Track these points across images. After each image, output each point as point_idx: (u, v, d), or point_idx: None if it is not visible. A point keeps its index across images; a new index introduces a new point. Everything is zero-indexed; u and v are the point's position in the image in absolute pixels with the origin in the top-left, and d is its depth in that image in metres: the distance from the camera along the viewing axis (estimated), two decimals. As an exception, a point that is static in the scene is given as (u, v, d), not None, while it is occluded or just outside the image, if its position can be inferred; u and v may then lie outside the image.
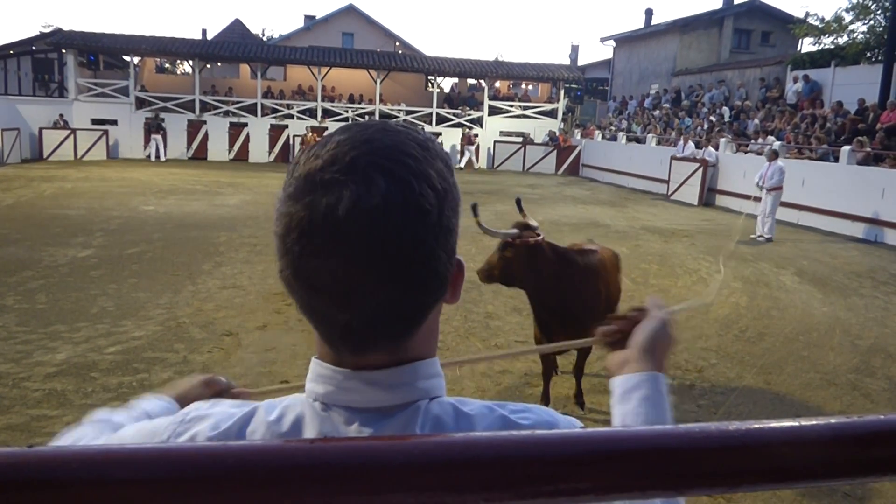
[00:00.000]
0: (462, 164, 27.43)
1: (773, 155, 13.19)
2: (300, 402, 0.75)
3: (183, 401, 1.02)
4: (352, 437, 0.49)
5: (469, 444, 0.50)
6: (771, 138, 17.84)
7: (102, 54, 27.21)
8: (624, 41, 32.11)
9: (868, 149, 14.42)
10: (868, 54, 18.80)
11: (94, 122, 24.93)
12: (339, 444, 0.48)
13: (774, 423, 0.52)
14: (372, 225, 0.65)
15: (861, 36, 19.92)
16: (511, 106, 29.32)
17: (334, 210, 0.65)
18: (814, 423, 0.52)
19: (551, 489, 0.50)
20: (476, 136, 27.83)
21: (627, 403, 0.96)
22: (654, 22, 32.23)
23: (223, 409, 0.78)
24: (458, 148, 27.49)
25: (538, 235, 4.52)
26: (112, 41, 26.00)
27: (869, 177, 13.78)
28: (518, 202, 4.86)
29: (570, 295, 4.58)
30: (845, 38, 20.44)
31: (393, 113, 27.74)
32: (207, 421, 0.76)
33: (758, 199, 13.31)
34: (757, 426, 0.52)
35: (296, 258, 0.68)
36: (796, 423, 0.52)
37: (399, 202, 0.66)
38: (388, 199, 0.66)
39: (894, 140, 14.86)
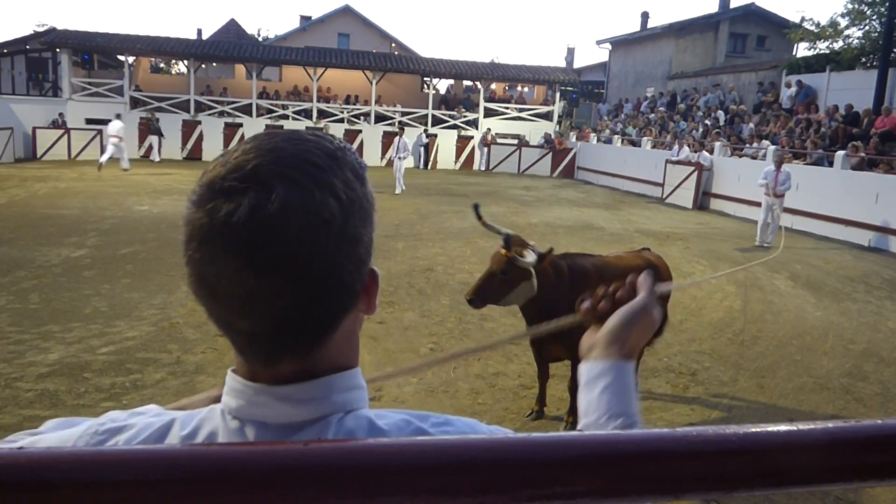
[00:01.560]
0: (458, 166, 27.48)
1: (781, 161, 13.09)
2: (216, 415, 0.75)
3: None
4: (342, 439, 0.49)
5: (465, 447, 0.49)
6: (766, 142, 17.90)
7: (97, 54, 27.12)
8: (620, 44, 32.16)
9: (862, 154, 14.47)
10: (863, 59, 18.86)
11: (89, 121, 24.82)
12: (334, 446, 0.48)
13: (772, 427, 0.52)
14: (269, 233, 0.65)
15: (856, 41, 19.98)
16: (507, 108, 29.34)
17: (232, 217, 0.65)
18: (811, 427, 0.52)
19: (547, 492, 0.49)
20: (494, 137, 27.89)
21: (591, 392, 0.97)
22: (650, 25, 32.26)
23: (143, 420, 0.76)
24: (482, 146, 27.77)
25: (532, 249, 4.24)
26: (107, 40, 25.91)
27: (863, 182, 13.83)
28: (475, 208, 4.36)
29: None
30: (840, 43, 20.51)
31: (388, 114, 27.74)
32: (126, 433, 0.75)
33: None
34: (754, 430, 0.52)
35: (197, 265, 0.69)
36: (794, 428, 0.52)
37: (298, 210, 0.67)
38: (287, 208, 0.66)
39: (888, 145, 14.92)
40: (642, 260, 4.97)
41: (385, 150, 26.32)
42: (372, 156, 26.38)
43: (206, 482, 0.44)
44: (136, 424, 0.76)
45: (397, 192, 18.19)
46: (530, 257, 4.11)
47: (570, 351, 4.36)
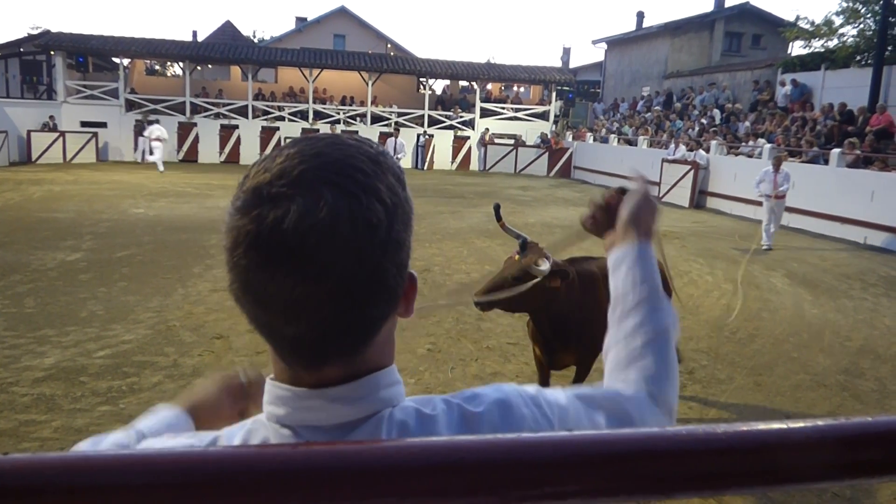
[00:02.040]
0: (454, 166, 27.49)
1: (779, 161, 12.71)
2: (261, 425, 0.75)
3: (198, 411, 1.00)
4: (333, 441, 0.48)
5: (454, 448, 0.49)
6: (762, 141, 17.93)
7: (91, 56, 27.04)
8: (615, 43, 32.19)
9: (858, 151, 14.50)
10: (858, 58, 18.90)
11: (84, 124, 24.77)
12: (322, 449, 0.48)
13: (762, 426, 0.51)
14: (318, 239, 0.66)
15: (851, 39, 20.04)
16: (503, 108, 29.35)
17: (281, 224, 0.66)
18: (801, 425, 0.52)
19: (538, 493, 0.49)
20: (492, 137, 27.91)
21: (618, 273, 1.06)
22: (645, 24, 32.31)
23: (180, 442, 0.77)
24: (480, 146, 27.76)
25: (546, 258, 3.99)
26: (101, 43, 25.86)
27: (858, 179, 13.86)
28: (496, 208, 4.28)
29: (592, 315, 4.04)
30: (835, 41, 20.57)
31: (385, 115, 27.72)
32: None
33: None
34: (744, 428, 0.51)
35: (243, 272, 0.69)
36: (784, 426, 0.52)
37: (346, 216, 0.67)
38: (335, 214, 0.66)
39: (884, 143, 14.95)
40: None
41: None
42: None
43: (194, 486, 0.44)
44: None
45: None
46: (544, 266, 3.93)
47: (579, 358, 4.30)
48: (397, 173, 0.75)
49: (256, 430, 0.74)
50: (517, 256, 3.94)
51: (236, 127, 26.04)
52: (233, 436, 0.75)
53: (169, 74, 37.65)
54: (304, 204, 0.66)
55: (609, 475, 0.50)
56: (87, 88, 25.48)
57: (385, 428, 0.72)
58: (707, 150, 19.03)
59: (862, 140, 15.00)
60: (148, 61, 30.85)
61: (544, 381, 4.68)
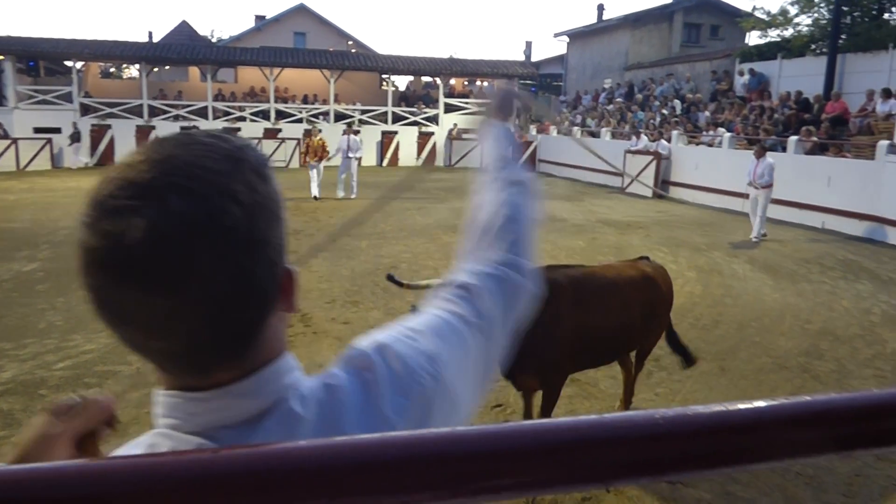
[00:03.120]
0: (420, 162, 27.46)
1: (762, 151, 12.59)
2: (163, 437, 0.70)
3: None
4: (254, 444, 0.46)
5: (384, 445, 0.47)
6: (721, 130, 18.20)
7: (42, 60, 26.37)
8: (577, 36, 32.40)
9: (814, 138, 14.80)
10: (813, 46, 19.28)
11: (37, 130, 24.10)
12: (240, 452, 0.46)
13: (700, 409, 0.51)
14: (169, 251, 0.62)
15: (806, 28, 20.43)
16: (467, 103, 29.36)
17: (125, 239, 0.61)
18: (739, 407, 0.51)
19: (472, 488, 0.48)
20: (460, 132, 27.90)
21: (486, 146, 1.34)
22: (605, 17, 32.56)
23: None
24: (448, 140, 27.80)
25: None
26: (52, 46, 25.22)
27: (815, 166, 14.14)
28: (389, 278, 3.86)
29: (550, 331, 3.73)
30: (791, 30, 20.95)
31: (348, 112, 27.53)
32: None
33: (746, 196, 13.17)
34: (682, 413, 0.51)
35: (96, 292, 0.65)
36: (722, 408, 0.51)
37: (198, 223, 0.63)
38: (185, 222, 0.62)
39: (839, 130, 15.28)
40: (636, 270, 4.50)
41: (346, 149, 26.08)
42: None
43: (100, 499, 0.41)
44: None
45: (340, 195, 16.73)
46: None
47: (542, 380, 4.01)
48: (258, 168, 0.70)
49: (158, 444, 0.70)
50: None
51: (196, 128, 25.54)
52: (132, 450, 0.72)
53: (125, 77, 36.95)
54: (150, 215, 0.62)
55: (546, 466, 0.49)
56: (40, 93, 24.79)
57: (298, 407, 0.71)
58: (669, 141, 19.26)
59: (818, 127, 15.32)
60: (102, 64, 30.23)
61: (527, 409, 4.26)
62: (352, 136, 17.37)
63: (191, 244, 0.62)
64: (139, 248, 0.61)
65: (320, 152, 16.52)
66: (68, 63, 26.41)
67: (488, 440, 0.48)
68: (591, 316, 4.02)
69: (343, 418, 0.73)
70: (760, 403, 0.51)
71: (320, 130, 17.97)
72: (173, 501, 0.44)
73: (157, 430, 0.71)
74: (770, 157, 12.81)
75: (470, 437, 0.48)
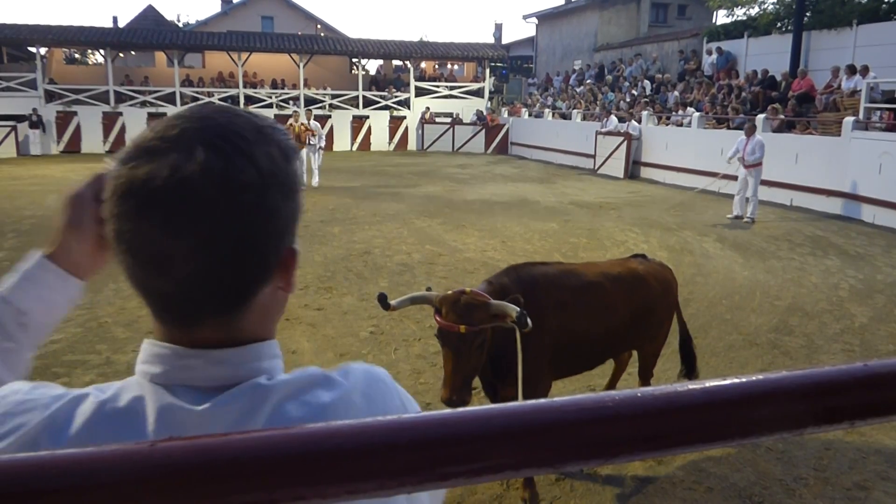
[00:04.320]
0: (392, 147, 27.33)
1: (752, 129, 12.43)
2: (134, 383, 0.73)
3: (64, 248, 0.90)
4: (194, 436, 0.45)
5: (329, 434, 0.46)
6: (690, 109, 18.33)
7: (5, 46, 25.74)
8: (546, 18, 32.32)
9: (781, 116, 14.96)
10: (779, 24, 19.44)
11: (1, 117, 23.58)
12: (182, 444, 0.44)
13: (649, 391, 0.50)
14: (186, 193, 0.67)
15: (771, 7, 20.58)
16: (437, 86, 29.22)
17: (153, 175, 0.68)
18: (689, 387, 0.51)
19: (421, 476, 0.47)
20: (433, 115, 27.74)
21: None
22: (574, -2, 32.50)
23: (45, 392, 0.73)
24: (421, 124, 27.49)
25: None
26: (14, 32, 24.62)
27: (783, 143, 14.31)
28: (381, 299, 3.24)
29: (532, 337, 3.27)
30: (756, 9, 21.09)
31: (318, 97, 27.25)
32: (33, 412, 0.70)
33: (727, 178, 13.11)
34: (632, 395, 0.50)
35: (115, 220, 0.70)
36: (671, 389, 0.51)
37: (217, 174, 0.68)
38: (206, 170, 0.68)
39: (805, 107, 15.47)
40: (622, 268, 4.04)
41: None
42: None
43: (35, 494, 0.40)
44: (36, 398, 0.72)
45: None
46: (516, 313, 3.02)
47: (525, 393, 3.55)
48: (283, 146, 0.75)
49: (128, 387, 0.73)
50: (463, 328, 3.05)
51: (164, 115, 25.05)
52: (105, 389, 0.73)
53: (90, 63, 36.16)
54: (177, 158, 0.68)
55: (495, 451, 0.48)
56: (3, 80, 24.23)
57: (261, 392, 0.72)
58: (639, 121, 19.36)
59: (785, 105, 15.49)
60: (67, 49, 29.56)
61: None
62: (312, 121, 16.16)
63: (206, 192, 0.67)
64: (161, 187, 0.67)
65: (304, 138, 15.34)
66: (32, 49, 25.84)
67: (437, 427, 0.47)
68: (574, 319, 3.63)
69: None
70: (710, 384, 0.51)
71: (300, 114, 17.49)
72: (109, 496, 0.43)
73: (133, 377, 0.75)
74: (759, 135, 12.74)
75: (419, 424, 0.47)
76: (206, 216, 0.68)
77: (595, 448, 0.49)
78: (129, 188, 0.69)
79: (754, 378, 0.53)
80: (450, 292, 3.19)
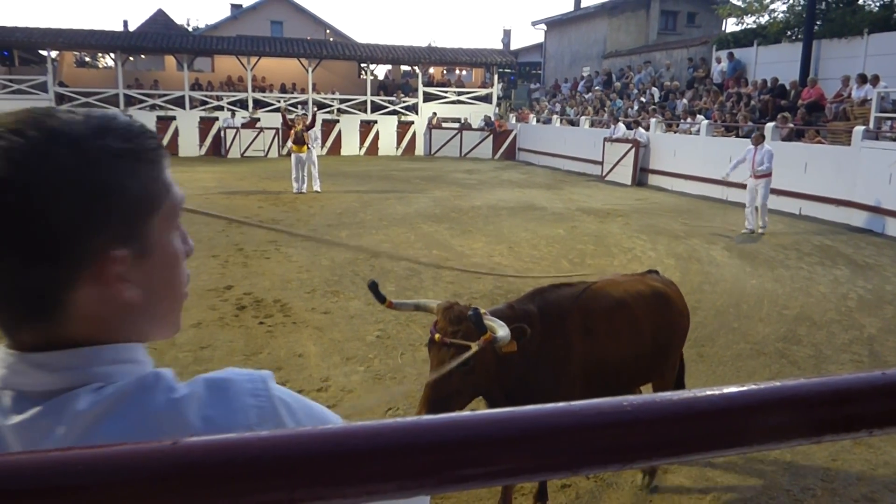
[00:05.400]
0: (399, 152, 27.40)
1: (760, 138, 12.07)
2: None
3: None
4: (207, 436, 0.45)
5: (348, 435, 0.46)
6: (699, 117, 18.31)
7: (17, 49, 25.93)
8: (555, 24, 32.37)
9: (791, 124, 14.91)
10: (788, 33, 19.41)
11: (12, 120, 23.73)
12: (203, 443, 0.45)
13: (667, 397, 0.50)
14: None
15: (781, 15, 20.56)
16: (446, 92, 29.26)
17: None
18: (708, 393, 0.51)
19: (438, 477, 0.47)
20: (440, 121, 27.82)
21: None
22: (583, 5, 32.49)
23: None
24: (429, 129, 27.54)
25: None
26: (27, 35, 24.79)
27: (792, 152, 14.26)
28: (372, 287, 3.20)
29: (556, 368, 3.21)
30: (766, 17, 21.08)
31: (327, 102, 27.32)
32: None
33: (726, 182, 13.02)
34: (650, 399, 0.50)
35: None
36: (690, 395, 0.51)
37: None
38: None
39: (815, 115, 15.42)
40: (646, 286, 3.79)
41: (325, 137, 25.91)
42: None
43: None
44: None
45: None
46: (502, 332, 2.83)
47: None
48: (91, 149, 0.71)
49: None
50: (437, 336, 2.97)
51: (173, 118, 25.34)
52: None
53: (101, 66, 36.39)
54: None
55: (513, 455, 0.48)
56: (14, 83, 24.42)
57: (87, 399, 0.68)
58: (647, 129, 19.34)
59: (794, 113, 15.44)
60: (77, 53, 29.75)
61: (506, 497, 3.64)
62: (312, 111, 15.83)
63: None
64: None
65: (305, 139, 15.31)
66: (43, 52, 26.01)
67: (455, 429, 0.47)
68: (601, 344, 3.41)
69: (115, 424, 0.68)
70: (729, 390, 0.51)
71: (304, 114, 17.43)
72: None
73: None
74: (768, 144, 12.37)
75: (438, 426, 0.47)
76: None
77: (613, 453, 0.49)
78: None
79: (773, 385, 0.52)
80: (452, 302, 3.13)
